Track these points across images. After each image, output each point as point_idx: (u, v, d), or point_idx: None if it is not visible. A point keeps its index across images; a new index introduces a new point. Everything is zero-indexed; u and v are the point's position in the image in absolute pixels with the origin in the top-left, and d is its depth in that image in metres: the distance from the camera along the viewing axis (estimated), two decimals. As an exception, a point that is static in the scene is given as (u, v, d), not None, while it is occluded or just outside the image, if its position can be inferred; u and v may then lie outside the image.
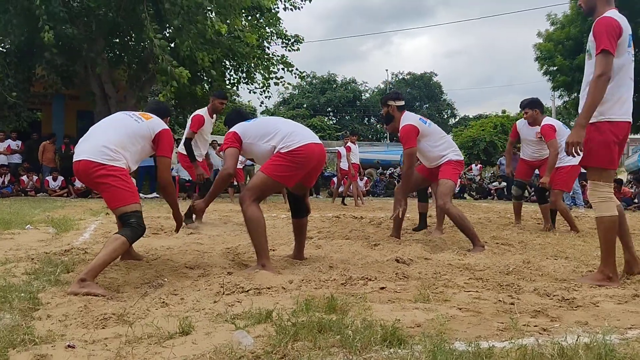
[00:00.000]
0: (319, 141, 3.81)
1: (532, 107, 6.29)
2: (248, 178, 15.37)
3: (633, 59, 3.33)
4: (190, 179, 13.91)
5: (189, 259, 3.97)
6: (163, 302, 2.71)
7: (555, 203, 6.21)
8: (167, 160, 3.62)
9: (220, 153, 14.05)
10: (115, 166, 3.28)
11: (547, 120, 6.17)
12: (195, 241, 4.99)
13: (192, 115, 6.53)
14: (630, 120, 3.33)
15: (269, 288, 2.95)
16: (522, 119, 6.63)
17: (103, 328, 2.29)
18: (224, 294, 2.85)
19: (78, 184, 13.94)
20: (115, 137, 3.39)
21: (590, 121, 3.22)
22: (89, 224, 6.42)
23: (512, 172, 6.99)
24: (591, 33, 3.25)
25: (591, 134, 3.24)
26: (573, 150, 3.19)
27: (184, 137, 6.45)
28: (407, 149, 4.90)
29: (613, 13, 3.26)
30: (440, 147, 5.03)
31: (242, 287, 2.94)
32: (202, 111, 6.48)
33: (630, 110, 3.32)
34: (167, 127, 3.71)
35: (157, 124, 3.61)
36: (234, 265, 3.71)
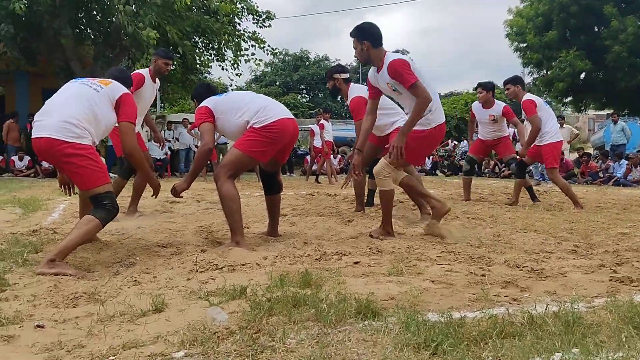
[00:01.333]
0: (292, 116, 3.78)
1: (514, 83, 6.38)
2: (221, 156, 15.24)
3: None
4: (161, 157, 13.83)
5: (161, 237, 3.93)
6: (135, 280, 2.68)
7: (554, 180, 6.30)
8: (129, 125, 3.33)
9: (192, 131, 13.87)
10: (82, 144, 3.06)
11: (528, 96, 6.26)
12: (167, 220, 4.93)
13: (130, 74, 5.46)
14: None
15: (243, 265, 2.94)
16: (477, 101, 6.92)
17: (74, 307, 2.26)
18: (197, 271, 2.83)
19: (46, 163, 13.61)
20: (78, 111, 3.12)
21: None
22: (58, 204, 6.27)
23: None
24: (389, 76, 3.81)
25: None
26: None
27: None
28: (358, 121, 4.83)
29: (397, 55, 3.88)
30: (389, 115, 5.01)
31: (215, 265, 2.92)
32: (144, 71, 5.34)
33: None
34: (128, 91, 3.45)
35: (116, 88, 3.35)
36: (207, 243, 3.68)
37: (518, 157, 6.64)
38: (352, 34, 3.94)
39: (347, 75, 5.25)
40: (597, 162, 13.76)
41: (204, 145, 3.62)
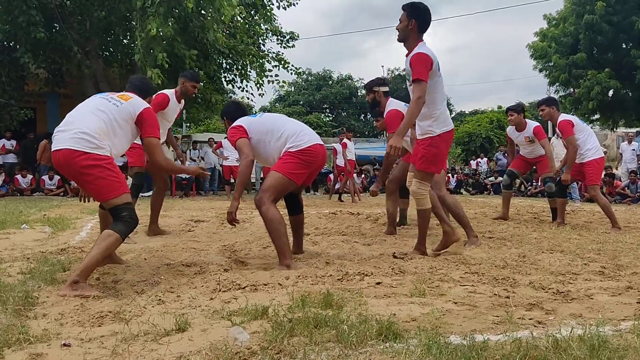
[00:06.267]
0: (322, 142, 3.89)
1: (548, 104, 6.32)
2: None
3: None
4: (187, 176, 14.00)
5: (185, 256, 3.97)
6: (159, 299, 2.71)
7: (596, 198, 6.17)
8: (154, 140, 3.37)
9: (217, 151, 14.03)
10: (100, 154, 3.04)
11: (563, 117, 6.17)
12: (191, 239, 4.99)
13: (155, 94, 5.34)
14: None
15: (265, 284, 2.96)
16: (510, 126, 6.91)
17: (99, 326, 2.29)
18: (220, 291, 2.86)
19: (74, 182, 13.90)
20: (96, 124, 3.12)
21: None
22: (86, 223, 6.40)
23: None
24: (409, 63, 3.87)
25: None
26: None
27: None
28: (391, 133, 4.85)
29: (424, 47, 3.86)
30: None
31: (238, 284, 2.95)
32: (170, 92, 5.33)
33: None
34: (149, 106, 3.46)
35: (136, 104, 3.35)
36: (230, 263, 3.71)
37: (554, 175, 6.51)
38: (405, 7, 3.94)
39: (386, 89, 5.31)
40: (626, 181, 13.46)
41: (245, 158, 3.67)
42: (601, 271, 3.39)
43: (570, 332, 2.02)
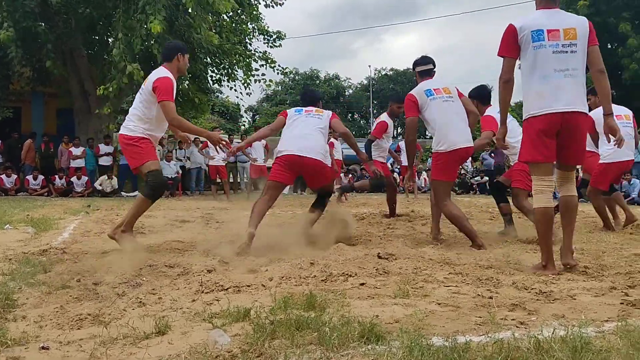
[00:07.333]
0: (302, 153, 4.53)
1: (594, 93, 5.77)
2: (231, 175, 15.29)
3: (555, 49, 3.38)
4: (172, 176, 13.91)
5: (168, 257, 3.94)
6: (140, 301, 2.68)
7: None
8: (168, 103, 4.05)
9: (203, 151, 13.95)
10: (133, 136, 4.19)
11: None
12: (176, 239, 4.95)
13: (378, 121, 7.00)
14: (549, 111, 3.37)
15: (248, 286, 2.93)
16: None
17: (78, 329, 2.26)
18: (202, 292, 2.83)
19: (58, 182, 13.78)
20: (132, 111, 4.26)
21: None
22: (69, 223, 6.32)
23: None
24: None
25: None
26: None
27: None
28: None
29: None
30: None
31: (221, 286, 2.92)
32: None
33: (551, 101, 3.36)
34: (164, 75, 4.12)
35: (151, 79, 4.13)
36: (214, 264, 3.68)
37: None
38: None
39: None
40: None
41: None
42: (584, 271, 3.40)
43: (553, 333, 2.02)
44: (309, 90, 5.55)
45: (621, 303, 2.63)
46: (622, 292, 2.86)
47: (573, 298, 2.74)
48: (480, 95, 5.53)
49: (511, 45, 3.46)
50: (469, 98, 5.23)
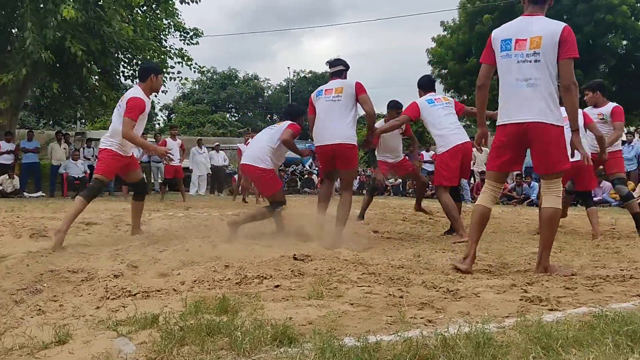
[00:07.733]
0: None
1: (593, 89, 5.92)
2: (152, 175, 14.70)
3: (520, 59, 3.36)
4: (80, 176, 13.20)
5: (72, 262, 3.71)
6: (39, 309, 2.52)
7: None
8: (129, 120, 4.65)
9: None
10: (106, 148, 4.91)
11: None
12: (81, 242, 4.68)
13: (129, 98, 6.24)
14: (508, 122, 3.41)
15: (158, 291, 2.83)
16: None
17: (-33, 341, 2.07)
18: (108, 298, 2.69)
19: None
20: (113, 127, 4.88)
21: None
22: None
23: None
24: None
25: None
26: None
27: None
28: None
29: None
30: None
31: (129, 291, 2.79)
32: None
33: (511, 112, 3.39)
34: (135, 95, 4.74)
35: (124, 98, 4.84)
36: (122, 268, 3.51)
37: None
38: None
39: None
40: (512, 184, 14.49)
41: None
42: (487, 269, 3.58)
43: (458, 330, 2.09)
44: (288, 105, 5.92)
45: (520, 299, 2.79)
46: (521, 288, 3.03)
47: (477, 295, 2.87)
48: (419, 83, 5.94)
49: (488, 52, 3.53)
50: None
